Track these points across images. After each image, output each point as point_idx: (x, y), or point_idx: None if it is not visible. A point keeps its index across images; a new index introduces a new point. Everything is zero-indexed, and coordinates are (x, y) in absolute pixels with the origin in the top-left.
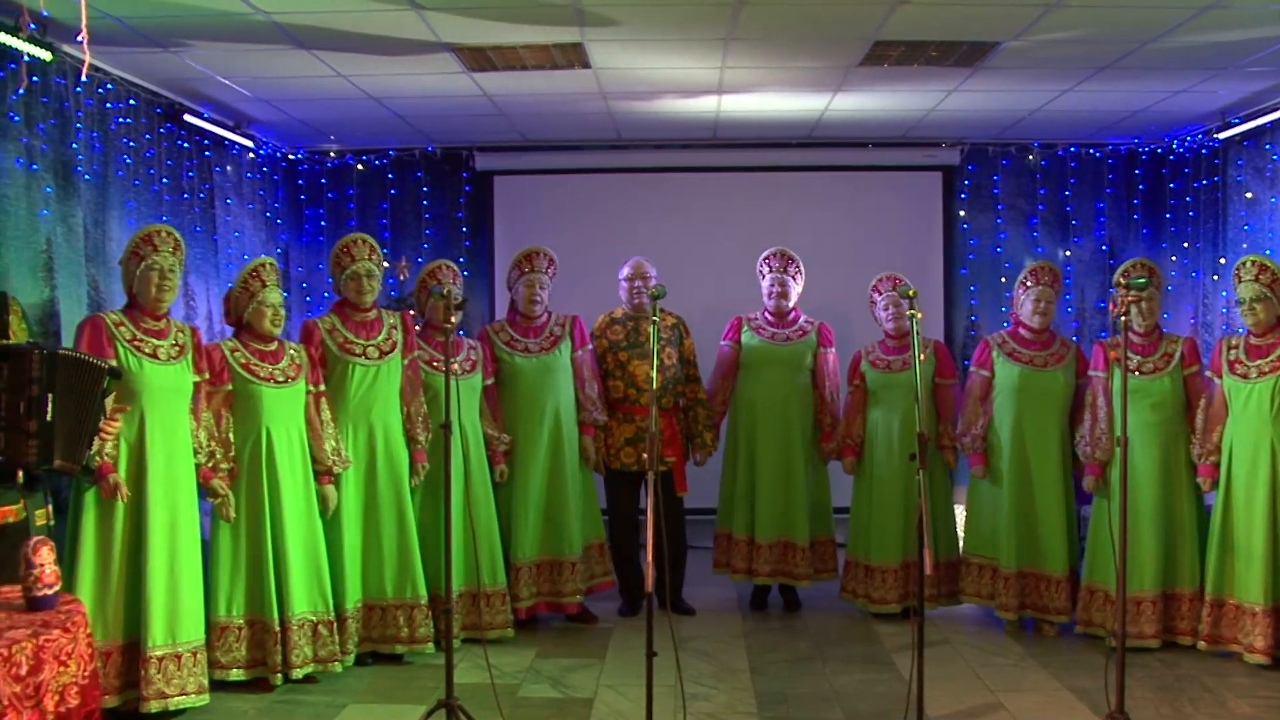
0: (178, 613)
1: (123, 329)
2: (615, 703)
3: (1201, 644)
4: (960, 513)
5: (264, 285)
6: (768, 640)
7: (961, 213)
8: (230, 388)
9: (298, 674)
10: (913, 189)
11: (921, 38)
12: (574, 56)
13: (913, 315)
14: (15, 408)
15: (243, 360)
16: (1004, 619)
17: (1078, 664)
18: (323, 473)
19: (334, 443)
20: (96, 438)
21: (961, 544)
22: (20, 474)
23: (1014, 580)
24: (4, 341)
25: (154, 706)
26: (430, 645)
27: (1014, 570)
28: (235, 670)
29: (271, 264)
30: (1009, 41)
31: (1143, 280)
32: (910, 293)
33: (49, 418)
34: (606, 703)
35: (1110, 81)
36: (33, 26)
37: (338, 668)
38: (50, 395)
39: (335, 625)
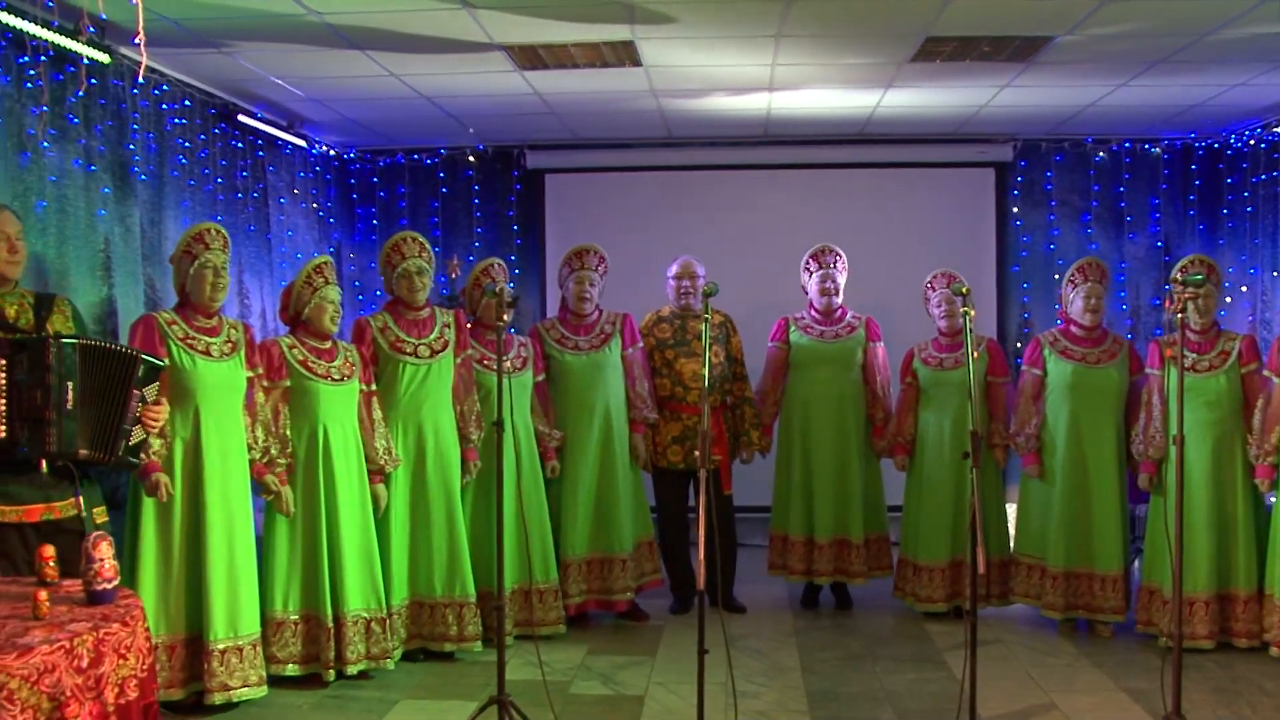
0: (237, 606)
1: (175, 327)
2: (666, 700)
3: (1274, 650)
4: (1011, 511)
5: (326, 282)
6: (819, 639)
7: (1014, 209)
8: (288, 384)
9: (351, 670)
10: (965, 186)
11: (974, 33)
12: (625, 54)
13: (966, 313)
14: (34, 397)
15: (300, 357)
16: (1053, 619)
17: (1133, 665)
18: (374, 472)
19: (385, 442)
20: (138, 427)
21: (1012, 543)
22: (44, 464)
23: (1061, 580)
24: (20, 335)
25: (218, 698)
26: (478, 644)
27: (1061, 570)
28: (290, 665)
29: (330, 262)
30: (1063, 36)
31: (1200, 276)
32: (963, 290)
33: (70, 406)
34: (657, 700)
35: (1166, 76)
36: (91, 30)
37: (389, 664)
38: (70, 384)
39: (384, 622)
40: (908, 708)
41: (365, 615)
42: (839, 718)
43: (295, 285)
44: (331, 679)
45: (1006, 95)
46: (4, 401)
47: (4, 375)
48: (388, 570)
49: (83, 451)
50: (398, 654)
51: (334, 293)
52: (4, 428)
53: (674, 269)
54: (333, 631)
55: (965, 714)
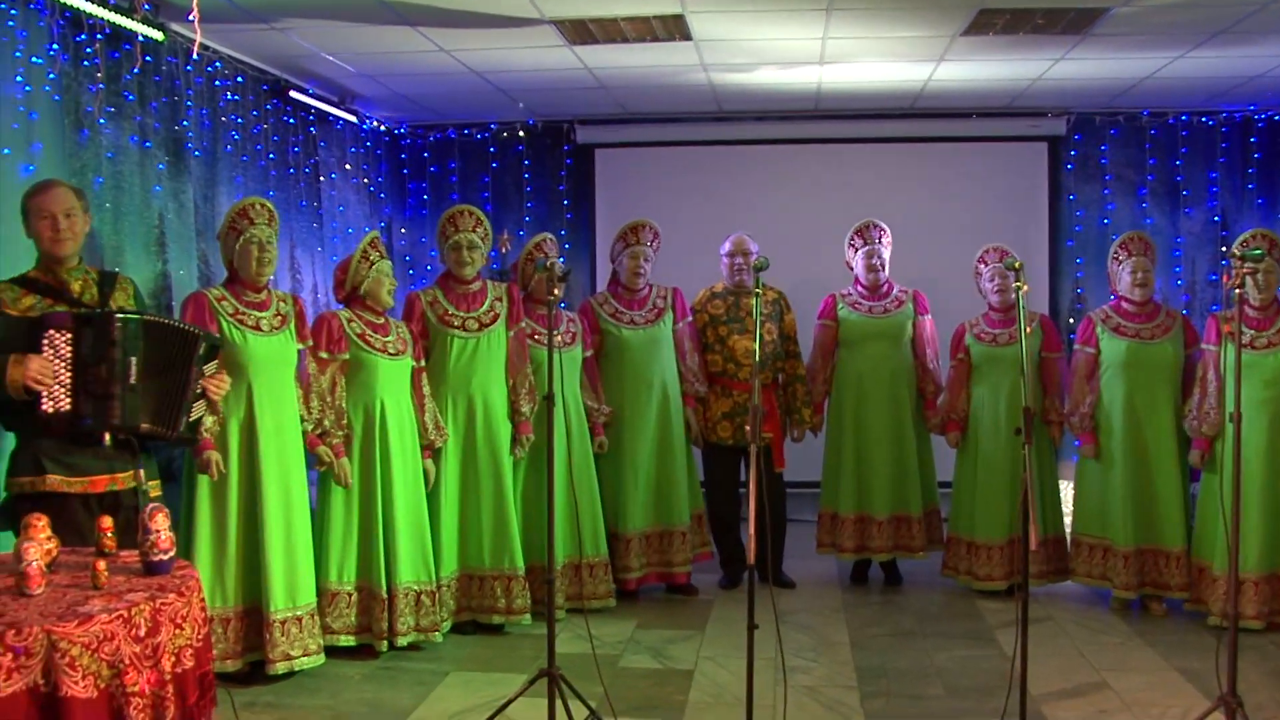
0: (295, 577)
1: (225, 303)
2: (715, 674)
3: None
4: (1066, 489)
5: (381, 256)
6: (868, 614)
7: (1068, 184)
8: (347, 356)
9: (402, 641)
10: (1017, 160)
11: (1027, 5)
12: (675, 28)
13: (1019, 288)
14: (99, 371)
15: (359, 330)
16: (1121, 598)
17: (1186, 644)
18: (424, 447)
19: (433, 417)
20: (199, 403)
21: (1070, 523)
22: (107, 437)
23: (1131, 559)
24: (85, 310)
25: (281, 668)
26: (527, 616)
27: (1130, 549)
28: (345, 636)
29: (380, 237)
30: (1119, 7)
31: (1259, 251)
32: (1016, 265)
33: (133, 381)
34: (706, 674)
35: (1226, 46)
36: (146, 7)
37: (438, 637)
38: (134, 359)
39: (434, 595)
40: (957, 684)
41: (415, 588)
42: (888, 693)
43: (351, 262)
44: (384, 650)
45: (1061, 68)
46: (70, 374)
47: (70, 349)
48: (437, 543)
49: (145, 425)
50: (446, 626)
51: (389, 266)
52: (69, 400)
53: (727, 246)
54: (386, 603)
55: (1016, 691)
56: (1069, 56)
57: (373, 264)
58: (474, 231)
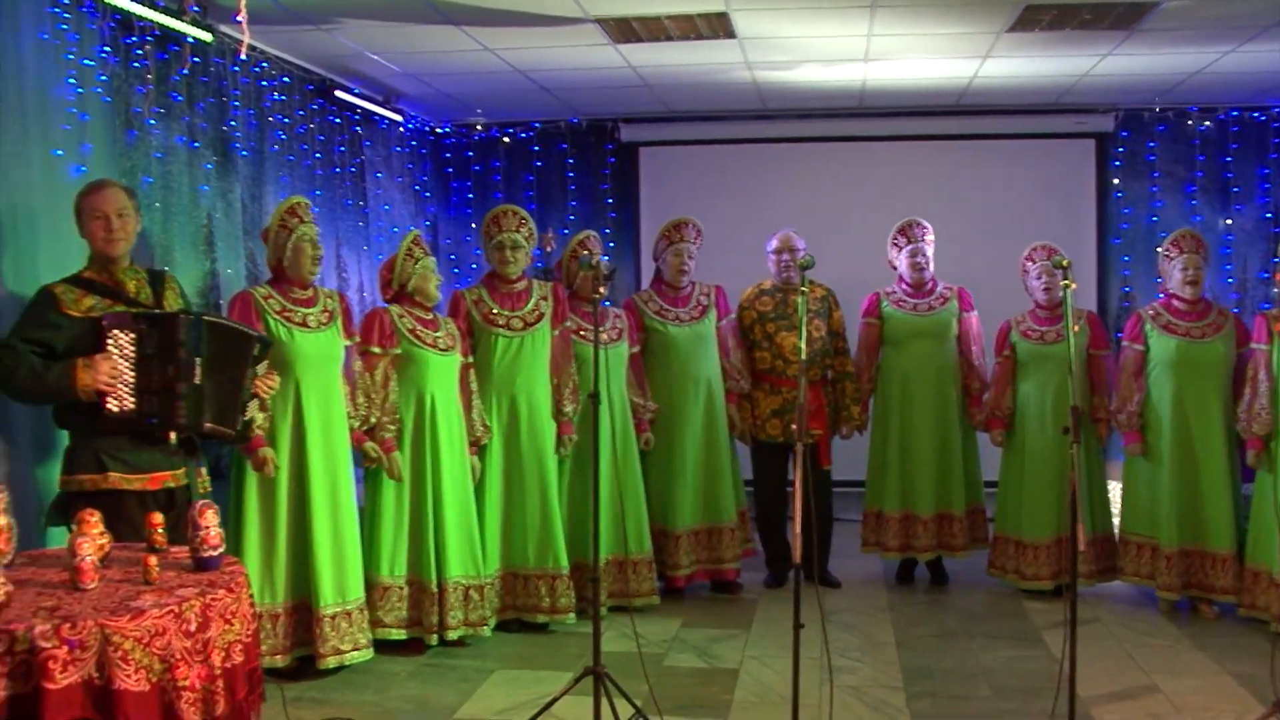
0: (344, 572)
1: (271, 301)
2: (760, 674)
3: None
4: (1114, 488)
5: (425, 253)
6: (914, 614)
7: (1115, 181)
8: (398, 351)
9: (451, 635)
10: (1064, 157)
11: (1075, 0)
12: (719, 26)
13: (1066, 286)
14: (165, 371)
15: (409, 325)
16: (1163, 599)
17: (1238, 648)
18: (470, 443)
19: (479, 414)
20: (251, 403)
21: (1118, 522)
22: (172, 436)
23: (1176, 559)
24: (142, 309)
25: (331, 662)
26: (571, 615)
27: (1175, 549)
28: (396, 630)
29: (420, 235)
30: (1168, 2)
31: None
32: (1064, 263)
33: (197, 380)
34: (751, 673)
35: (1277, 41)
36: (194, 9)
37: (486, 631)
38: (198, 359)
39: (482, 590)
40: (1004, 685)
41: (464, 582)
42: (934, 693)
43: (396, 260)
44: (433, 643)
45: (1108, 64)
46: (133, 375)
47: (133, 349)
48: (482, 540)
49: (208, 424)
50: (492, 622)
51: (433, 262)
52: (133, 400)
53: (773, 243)
54: (436, 597)
55: (1064, 693)
56: (1116, 52)
57: (417, 260)
58: (518, 231)
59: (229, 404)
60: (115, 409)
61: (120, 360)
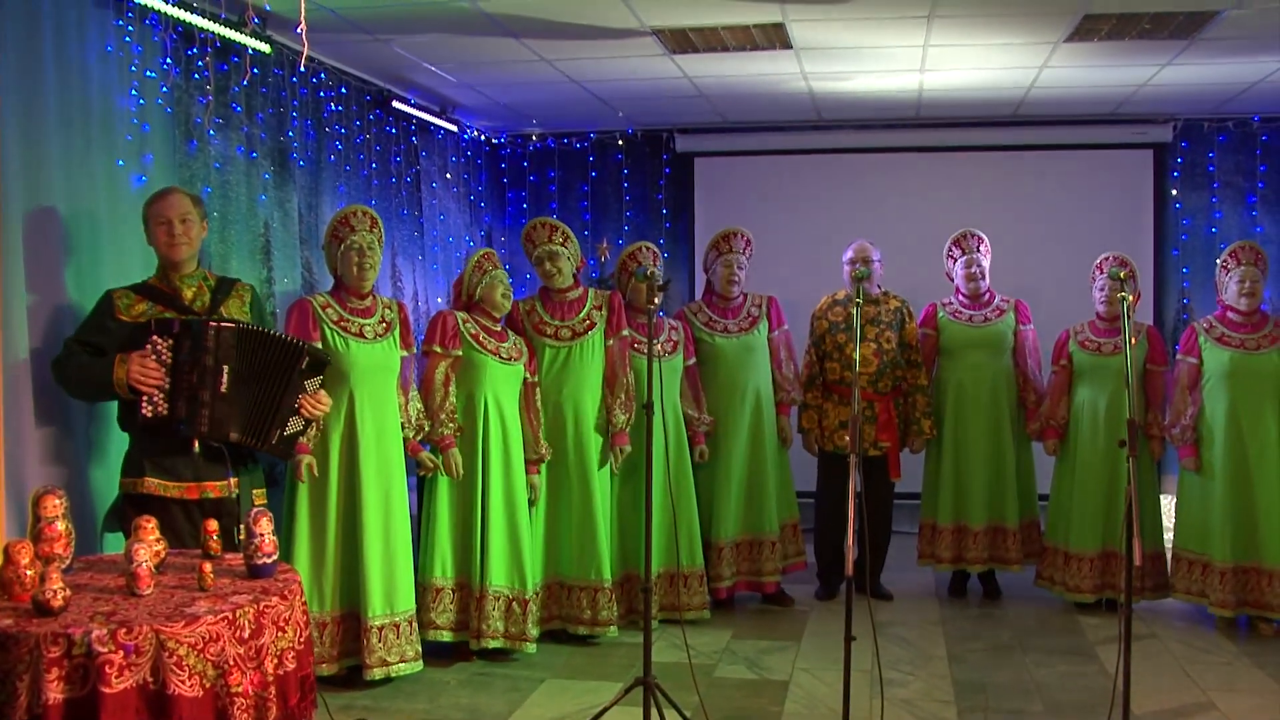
0: (394, 584)
1: (329, 310)
2: (811, 686)
3: None
4: (1167, 503)
5: (496, 266)
6: (966, 628)
7: (1174, 191)
8: (459, 353)
9: (490, 644)
10: (1122, 167)
11: (1134, 9)
12: (775, 37)
13: (1124, 298)
14: (191, 377)
15: (473, 331)
16: (1214, 615)
17: None
18: (532, 461)
19: (541, 433)
20: (296, 417)
21: (1170, 537)
22: (196, 444)
23: (1229, 576)
24: (181, 316)
25: (377, 674)
26: (613, 628)
27: (1229, 565)
28: (445, 632)
29: (494, 254)
30: (1230, 10)
31: None
32: (1120, 274)
33: (223, 389)
34: (802, 686)
35: None
36: (255, 21)
37: (529, 648)
38: (225, 367)
39: (525, 604)
40: (1058, 701)
41: (506, 593)
42: (987, 708)
43: (464, 274)
44: (475, 648)
45: (1168, 73)
46: (169, 379)
47: (170, 355)
48: (528, 552)
49: (233, 435)
50: (535, 633)
51: (503, 275)
52: (166, 405)
53: (848, 253)
54: (478, 601)
55: (1118, 710)
56: (1176, 61)
57: (486, 272)
58: (551, 241)
59: (262, 416)
60: (148, 412)
61: (155, 365)
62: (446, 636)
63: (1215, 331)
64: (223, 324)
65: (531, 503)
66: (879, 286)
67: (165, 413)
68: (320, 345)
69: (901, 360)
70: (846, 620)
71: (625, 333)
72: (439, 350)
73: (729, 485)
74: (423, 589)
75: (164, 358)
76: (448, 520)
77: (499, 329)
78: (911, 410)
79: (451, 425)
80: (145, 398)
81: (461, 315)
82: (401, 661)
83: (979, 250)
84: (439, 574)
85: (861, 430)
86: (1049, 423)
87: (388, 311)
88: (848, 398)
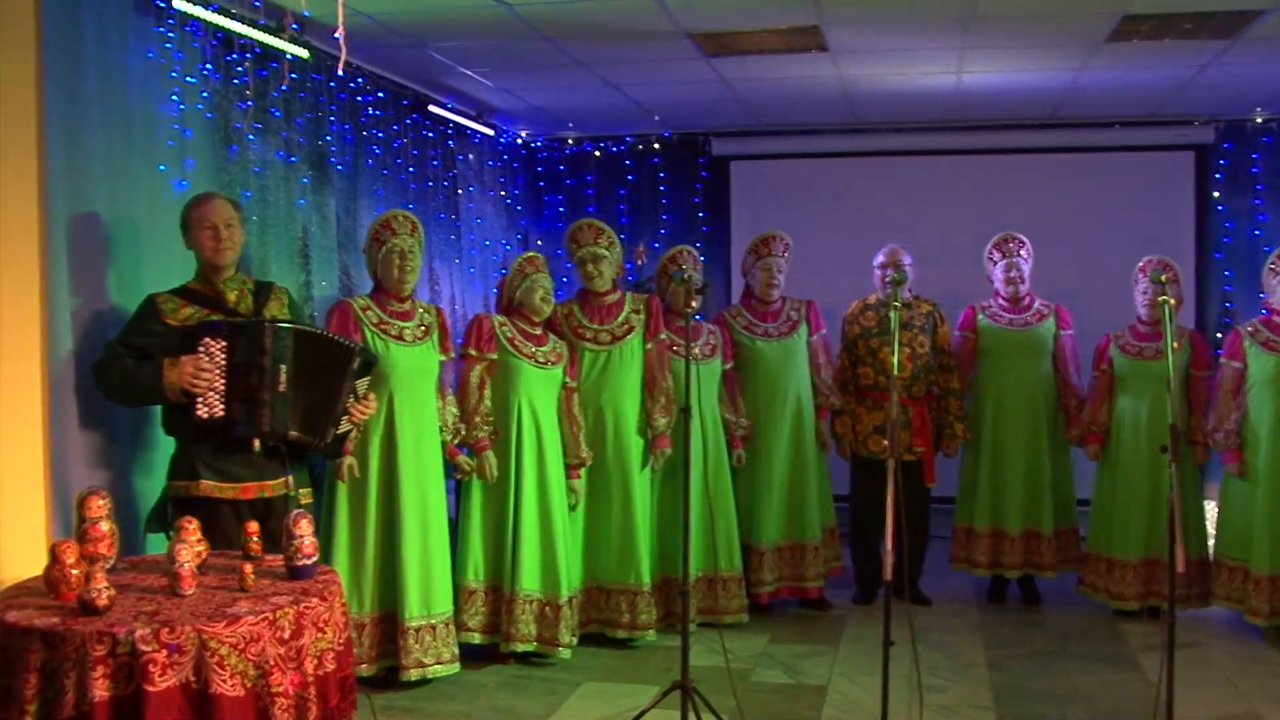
0: (431, 586)
1: (369, 313)
2: (849, 691)
3: None
4: (1210, 509)
5: (537, 270)
6: (1006, 634)
7: (1216, 194)
8: (495, 357)
9: (520, 648)
10: (1162, 170)
11: (1175, 9)
12: (811, 40)
13: (1165, 302)
14: (249, 378)
15: (509, 335)
16: (1262, 625)
17: None
18: (574, 466)
19: (582, 437)
20: (347, 417)
21: (1213, 544)
22: (256, 443)
23: (1266, 584)
24: (238, 318)
25: (413, 675)
26: (651, 632)
27: (1265, 573)
28: (477, 634)
29: (536, 257)
30: (1274, 10)
31: None
32: (1161, 278)
33: (282, 388)
34: (840, 691)
35: None
36: (294, 27)
37: (564, 653)
38: (283, 367)
39: (559, 609)
40: (1099, 709)
41: (539, 597)
42: (1026, 715)
43: (508, 277)
44: (505, 650)
45: (1209, 74)
46: (224, 381)
47: (224, 356)
48: (566, 555)
49: (293, 433)
50: (565, 637)
51: (544, 279)
52: (223, 407)
53: (880, 258)
54: (508, 605)
55: (1161, 719)
56: (1219, 62)
57: (527, 276)
58: (596, 244)
59: (319, 414)
60: (204, 415)
61: (210, 366)
62: (477, 639)
63: (1260, 335)
64: (279, 324)
65: (572, 507)
66: (909, 290)
67: (221, 414)
68: (370, 350)
69: (934, 364)
70: (885, 625)
71: (663, 336)
72: (474, 353)
73: (770, 490)
74: (457, 591)
75: (217, 360)
76: (480, 523)
77: (538, 333)
78: (944, 414)
79: (487, 428)
80: (200, 400)
81: (499, 319)
82: (438, 663)
83: (1019, 254)
84: (472, 576)
85: (890, 435)
86: (1090, 428)
87: (426, 315)
88: (880, 402)
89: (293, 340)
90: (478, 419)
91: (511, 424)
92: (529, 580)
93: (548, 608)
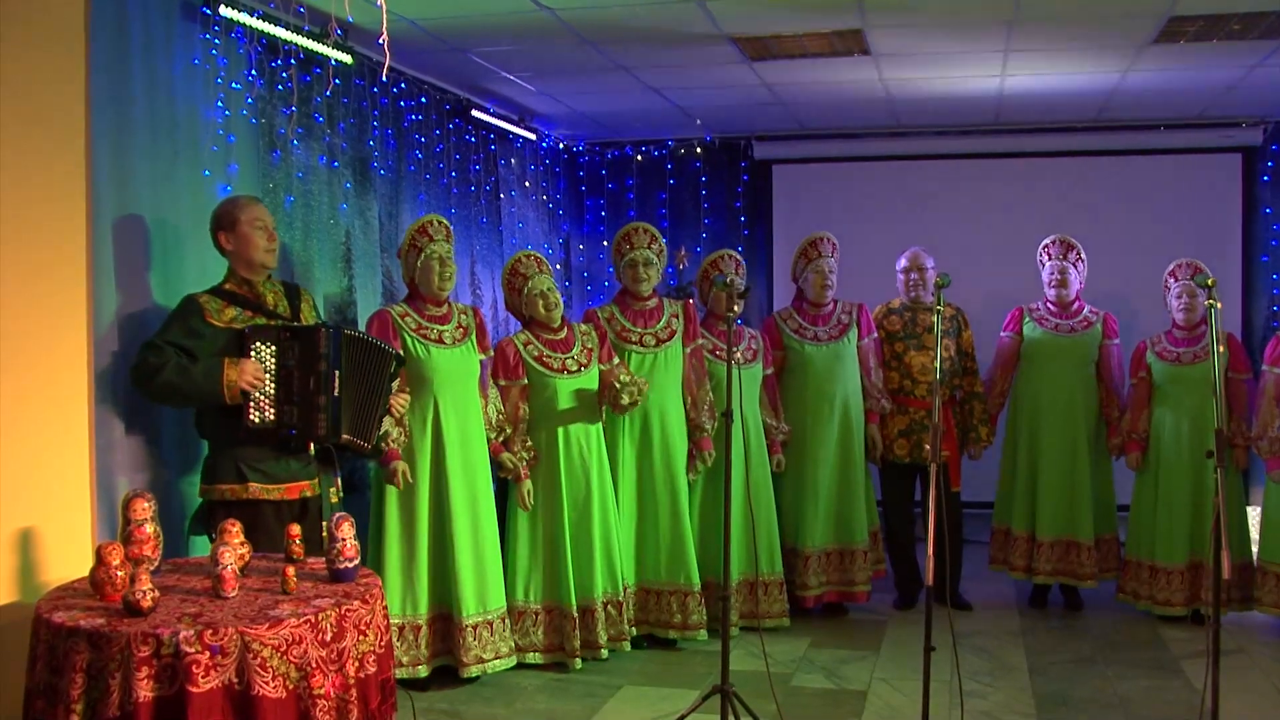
0: (485, 583)
1: (408, 319)
2: (889, 696)
3: None
4: (1253, 514)
5: (537, 271)
6: (1047, 639)
7: (1263, 196)
8: (525, 382)
9: (604, 654)
10: (1208, 172)
11: (1222, 10)
12: (854, 43)
13: (1212, 305)
14: (306, 383)
15: (535, 353)
16: None
17: None
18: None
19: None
20: (387, 418)
21: (1256, 550)
22: (311, 446)
23: None
24: (295, 323)
25: (474, 671)
26: (702, 632)
27: None
28: (533, 654)
29: (529, 257)
30: None
31: None
32: (1209, 282)
33: (335, 393)
34: (880, 696)
35: None
36: (338, 32)
37: (627, 646)
38: (337, 372)
39: (622, 606)
40: (1142, 716)
41: (617, 598)
42: None
43: (505, 296)
44: (578, 667)
45: (1257, 75)
46: (274, 386)
47: (274, 361)
48: (617, 557)
49: (345, 436)
50: (625, 645)
51: (541, 281)
52: (273, 411)
53: (902, 262)
54: (577, 621)
55: None
56: (1267, 63)
57: (518, 290)
58: (649, 248)
59: (366, 417)
60: (256, 419)
61: (262, 369)
62: (534, 658)
63: None
64: (334, 330)
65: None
66: (931, 294)
67: (272, 419)
68: (399, 351)
69: (959, 368)
70: (926, 630)
71: (700, 342)
72: (504, 384)
73: (816, 494)
74: (508, 609)
75: (268, 364)
76: (529, 543)
77: (561, 336)
78: (969, 417)
79: (526, 455)
80: (253, 404)
81: (521, 339)
82: (497, 657)
83: (1067, 258)
84: (522, 596)
85: (922, 440)
86: (1130, 436)
87: (463, 317)
88: (906, 406)
89: (345, 345)
90: (517, 447)
91: (556, 442)
92: (602, 586)
93: (610, 606)
